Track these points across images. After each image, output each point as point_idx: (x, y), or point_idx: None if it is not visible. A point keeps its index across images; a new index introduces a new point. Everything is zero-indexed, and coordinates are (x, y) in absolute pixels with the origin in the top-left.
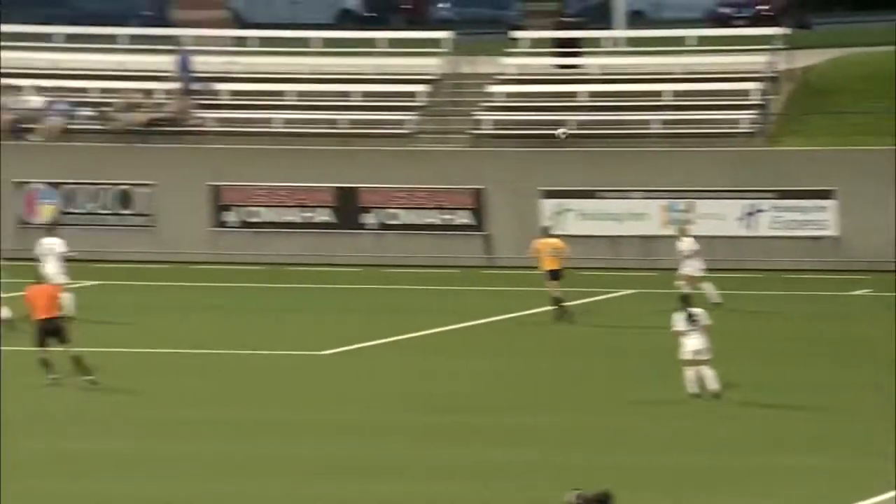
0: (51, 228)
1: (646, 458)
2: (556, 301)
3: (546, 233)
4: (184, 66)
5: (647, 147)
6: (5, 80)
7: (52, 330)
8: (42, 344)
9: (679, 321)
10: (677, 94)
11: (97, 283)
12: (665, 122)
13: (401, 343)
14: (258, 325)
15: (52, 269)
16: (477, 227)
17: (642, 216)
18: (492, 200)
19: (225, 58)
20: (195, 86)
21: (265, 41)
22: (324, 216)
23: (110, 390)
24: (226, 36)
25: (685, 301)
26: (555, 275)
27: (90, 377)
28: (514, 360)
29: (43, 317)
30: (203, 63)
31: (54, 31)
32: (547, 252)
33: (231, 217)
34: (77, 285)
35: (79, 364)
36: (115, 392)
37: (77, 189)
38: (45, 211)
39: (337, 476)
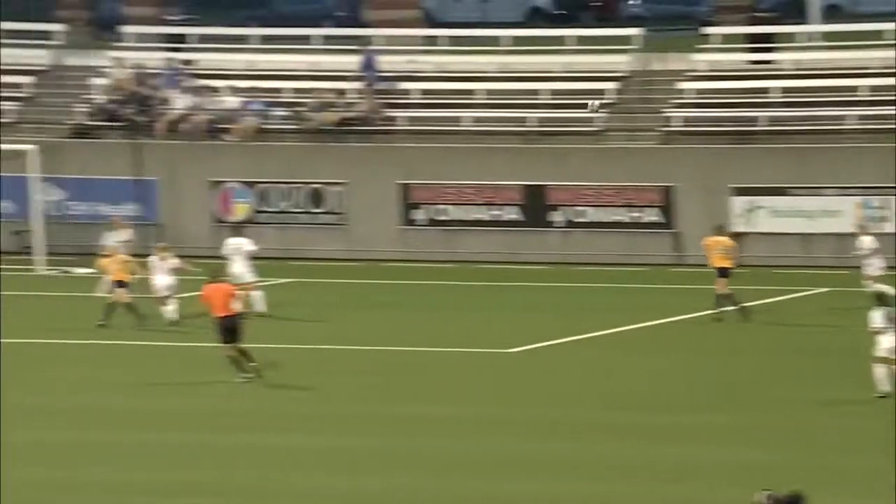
0: (237, 228)
1: (835, 459)
2: (725, 299)
3: (719, 231)
4: (369, 66)
5: (842, 143)
6: (203, 81)
7: (230, 327)
8: (225, 342)
9: (877, 319)
10: (874, 88)
11: (289, 280)
12: (861, 117)
13: (588, 341)
14: (446, 322)
15: (239, 268)
16: (666, 224)
17: (836, 213)
18: (681, 198)
19: (415, 57)
20: (381, 85)
21: (455, 40)
22: (512, 214)
23: (298, 387)
24: (416, 35)
25: (882, 299)
26: (723, 273)
27: (254, 363)
28: (702, 359)
29: (220, 315)
30: (394, 62)
31: (251, 32)
32: (716, 250)
33: (420, 215)
34: (269, 283)
35: (245, 358)
36: (303, 389)
37: (270, 188)
38: (240, 210)
39: (521, 473)
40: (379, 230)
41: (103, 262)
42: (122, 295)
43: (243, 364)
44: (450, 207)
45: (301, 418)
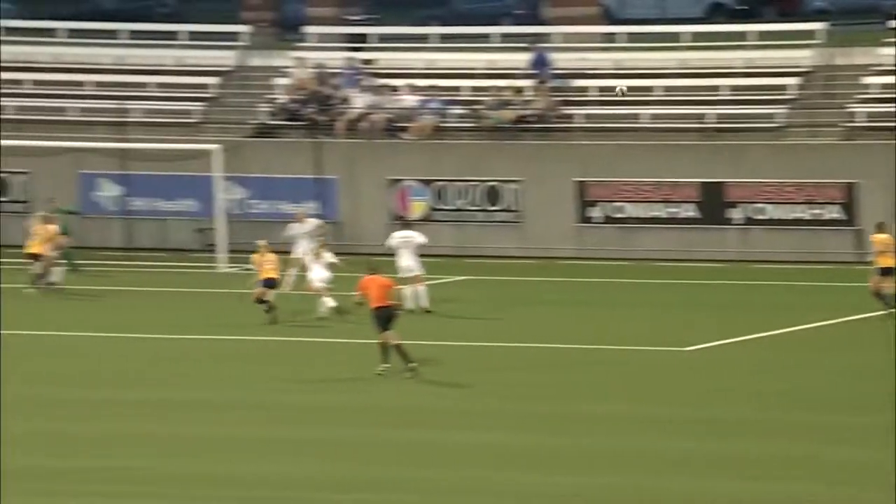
0: (406, 222)
1: None
2: (884, 297)
3: (880, 228)
4: (541, 64)
5: None
6: (383, 80)
7: (385, 318)
8: (381, 332)
9: None
10: None
11: (464, 278)
12: None
13: (766, 339)
14: (621, 320)
15: (406, 261)
16: (848, 221)
17: None
18: (864, 194)
19: (593, 54)
20: (555, 82)
21: (633, 36)
22: (689, 211)
23: (464, 385)
24: (595, 32)
25: None
26: (886, 272)
27: (388, 363)
28: (882, 358)
29: (377, 306)
30: (572, 59)
31: (430, 31)
32: (880, 248)
33: (596, 212)
34: (445, 280)
35: (399, 353)
36: (468, 386)
37: (447, 186)
38: (417, 207)
39: (695, 472)
40: (555, 227)
41: (255, 257)
42: (262, 292)
43: (389, 355)
44: (626, 205)
45: (466, 415)
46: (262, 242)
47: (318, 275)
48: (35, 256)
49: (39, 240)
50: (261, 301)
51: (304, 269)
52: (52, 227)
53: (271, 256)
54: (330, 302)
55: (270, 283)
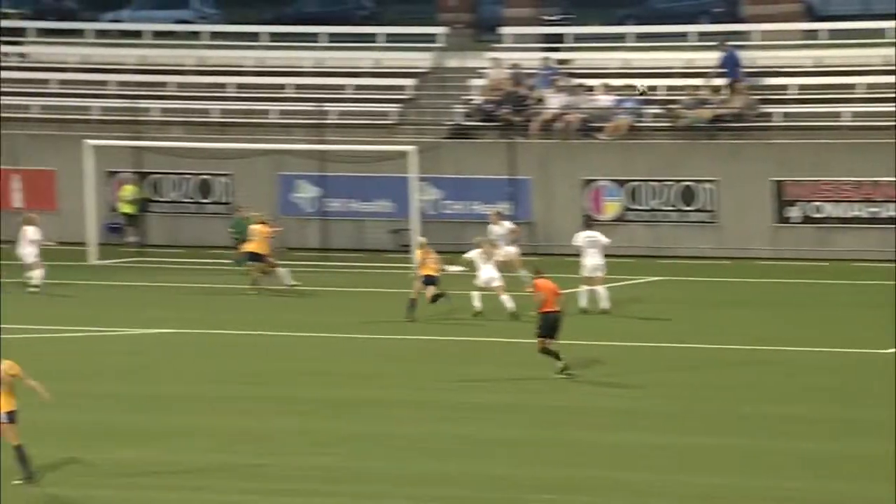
0: (591, 221)
1: None
2: None
3: None
4: (731, 63)
5: None
6: (578, 80)
7: (552, 324)
8: (542, 337)
9: None
10: None
11: (658, 278)
12: None
13: None
14: (819, 321)
15: (592, 260)
16: None
17: None
18: None
19: (794, 51)
20: (748, 81)
21: (835, 33)
22: (891, 211)
23: (638, 386)
24: (795, 29)
25: None
26: None
27: (562, 361)
28: None
29: (547, 310)
30: (772, 57)
31: (626, 30)
32: None
33: (794, 212)
34: (638, 280)
35: (551, 354)
36: (642, 387)
37: (641, 185)
38: (610, 207)
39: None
40: (751, 228)
41: (418, 254)
42: (427, 289)
43: (559, 356)
44: (825, 204)
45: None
46: (422, 240)
47: (487, 274)
48: (255, 256)
49: (258, 239)
50: (435, 298)
51: (476, 267)
52: (267, 228)
53: (432, 254)
54: (476, 301)
55: (430, 280)
